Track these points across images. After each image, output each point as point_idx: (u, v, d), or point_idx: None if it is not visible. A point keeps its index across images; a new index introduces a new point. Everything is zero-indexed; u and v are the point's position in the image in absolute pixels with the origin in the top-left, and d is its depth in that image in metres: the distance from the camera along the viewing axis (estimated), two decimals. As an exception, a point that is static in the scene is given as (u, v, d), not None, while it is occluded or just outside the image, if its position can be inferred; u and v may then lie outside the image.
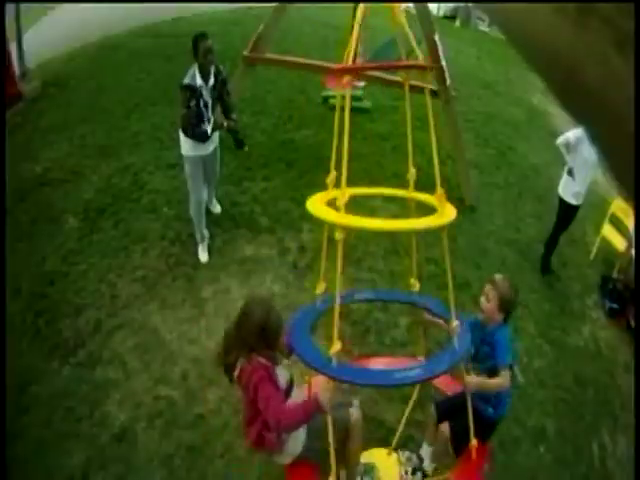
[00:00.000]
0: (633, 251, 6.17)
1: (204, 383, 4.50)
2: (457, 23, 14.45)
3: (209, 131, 5.01)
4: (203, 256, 5.49)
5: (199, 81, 4.84)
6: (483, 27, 14.09)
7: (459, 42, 11.97)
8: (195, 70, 4.85)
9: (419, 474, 3.56)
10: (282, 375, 3.05)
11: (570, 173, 5.66)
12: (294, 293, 5.21)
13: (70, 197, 6.24)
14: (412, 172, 3.28)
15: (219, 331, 4.87)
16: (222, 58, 8.85)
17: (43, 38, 9.43)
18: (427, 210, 2.98)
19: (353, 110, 7.04)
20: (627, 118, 0.42)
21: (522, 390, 4.90)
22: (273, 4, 6.39)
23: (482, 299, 3.33)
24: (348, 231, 2.65)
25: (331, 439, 2.79)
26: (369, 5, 3.16)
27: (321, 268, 3.17)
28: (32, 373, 4.58)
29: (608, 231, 6.50)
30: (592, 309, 5.99)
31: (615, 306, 5.95)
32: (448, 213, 2.85)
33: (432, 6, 10.00)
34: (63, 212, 6.03)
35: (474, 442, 3.25)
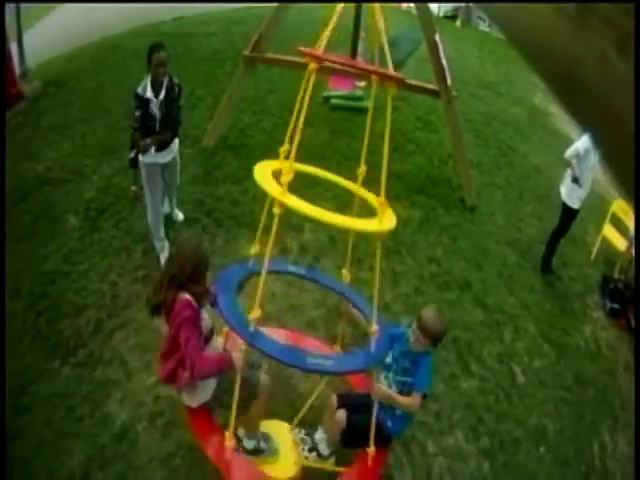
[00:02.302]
0: (634, 251, 6.17)
1: (205, 383, 4.49)
2: (458, 23, 14.43)
3: (152, 151, 4.94)
4: None
5: (149, 93, 4.77)
6: (484, 27, 14.07)
7: (460, 42, 11.95)
8: (147, 81, 4.79)
9: (314, 454, 3.62)
10: (205, 320, 3.33)
11: (576, 181, 5.66)
12: (295, 293, 5.21)
13: (71, 196, 6.24)
14: (362, 169, 3.58)
15: (220, 331, 4.88)
16: (223, 57, 8.91)
17: (44, 38, 9.41)
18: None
19: (354, 110, 7.08)
20: (627, 118, 0.42)
21: (523, 390, 4.91)
22: (274, 4, 6.39)
23: (413, 338, 3.32)
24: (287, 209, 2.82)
25: (236, 396, 3.04)
26: (370, 5, 3.18)
27: (258, 231, 3.53)
28: (33, 373, 4.58)
29: (609, 231, 6.50)
30: (593, 309, 5.99)
31: (616, 306, 5.95)
32: (387, 221, 2.97)
33: (433, 6, 9.99)
34: (64, 211, 6.03)
35: (372, 449, 3.35)
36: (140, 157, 5.01)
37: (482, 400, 4.70)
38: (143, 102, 4.77)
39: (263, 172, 3.05)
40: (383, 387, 3.34)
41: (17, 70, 8.26)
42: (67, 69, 9.21)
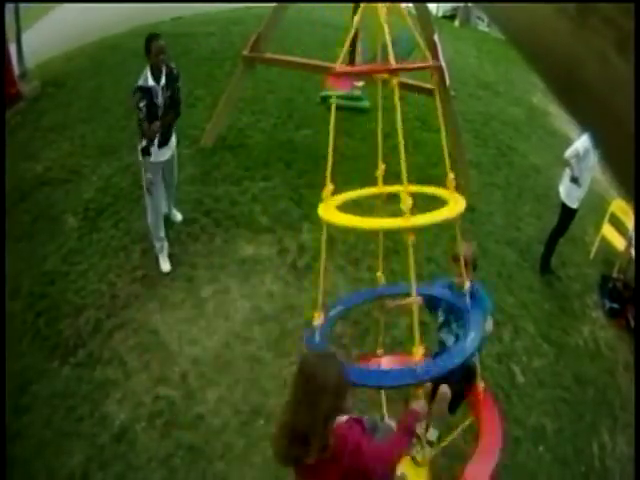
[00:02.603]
0: (633, 250, 6.18)
1: (204, 383, 4.50)
2: (456, 23, 14.43)
3: (157, 137, 4.99)
4: (165, 266, 5.33)
5: (151, 82, 4.87)
6: (483, 27, 14.07)
7: (458, 42, 11.95)
8: (147, 71, 4.89)
9: (428, 447, 3.57)
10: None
11: (575, 181, 5.67)
12: (293, 293, 5.21)
13: (70, 197, 6.24)
14: (382, 168, 3.60)
15: (219, 331, 4.88)
16: (222, 57, 8.90)
17: (43, 38, 9.40)
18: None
19: (352, 110, 7.07)
20: (627, 118, 0.42)
21: (522, 390, 4.90)
22: (273, 4, 6.39)
23: (458, 279, 3.52)
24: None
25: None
26: (370, 5, 3.17)
27: (319, 290, 3.06)
28: (32, 373, 4.58)
29: (608, 231, 6.50)
30: (592, 309, 5.99)
31: (615, 306, 5.95)
32: (460, 202, 2.99)
33: (431, 6, 10.00)
34: (63, 212, 6.03)
35: (481, 384, 3.57)
36: (141, 158, 5.07)
37: (481, 400, 4.70)
38: (147, 92, 4.85)
39: (335, 214, 2.91)
40: None
41: (16, 70, 8.24)
42: (66, 69, 9.20)
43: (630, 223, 6.24)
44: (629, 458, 4.70)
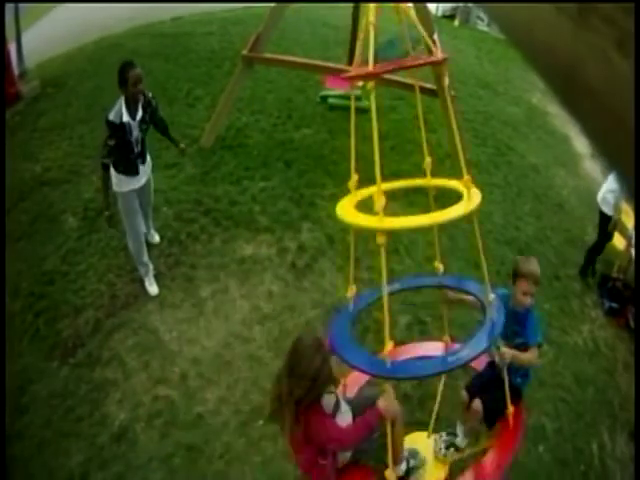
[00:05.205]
0: (633, 250, 6.18)
1: (203, 383, 4.50)
2: (456, 23, 14.42)
3: (139, 167, 4.74)
4: (152, 289, 5.12)
5: (125, 117, 4.39)
6: (482, 27, 14.06)
7: (458, 41, 11.95)
8: (121, 104, 4.38)
9: (452, 449, 3.71)
10: (328, 400, 3.06)
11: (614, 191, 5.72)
12: (293, 293, 5.21)
13: (69, 197, 6.23)
14: (428, 161, 3.57)
15: (218, 331, 4.88)
16: (221, 57, 8.91)
17: (42, 38, 9.41)
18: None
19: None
20: (627, 117, 0.42)
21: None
22: (272, 4, 6.39)
23: (523, 297, 3.42)
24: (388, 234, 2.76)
25: (389, 439, 2.84)
26: (378, 5, 3.15)
27: (350, 271, 3.35)
28: (31, 373, 4.58)
29: (608, 230, 6.50)
30: (591, 308, 5.99)
31: (614, 305, 5.95)
32: (474, 198, 2.96)
33: (431, 6, 10.00)
34: (62, 212, 6.02)
35: (510, 409, 3.43)
36: (115, 187, 4.70)
37: (481, 399, 4.70)
38: (119, 129, 4.38)
39: (348, 211, 2.98)
40: (505, 349, 3.31)
41: (15, 70, 8.23)
42: (66, 69, 9.19)
43: (630, 223, 6.25)
44: (629, 457, 4.70)
